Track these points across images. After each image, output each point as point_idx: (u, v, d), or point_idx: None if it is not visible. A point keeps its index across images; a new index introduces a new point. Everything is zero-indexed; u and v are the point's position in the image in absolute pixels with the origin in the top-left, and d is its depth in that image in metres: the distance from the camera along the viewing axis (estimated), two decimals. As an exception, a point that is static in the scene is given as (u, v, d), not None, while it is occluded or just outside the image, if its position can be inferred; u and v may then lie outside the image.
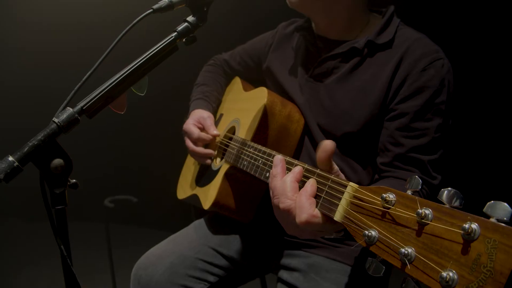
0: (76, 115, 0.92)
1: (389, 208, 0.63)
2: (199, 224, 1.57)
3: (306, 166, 0.86)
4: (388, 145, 1.23)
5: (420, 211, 0.58)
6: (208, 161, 1.53)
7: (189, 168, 1.77)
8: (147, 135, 3.44)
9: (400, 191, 0.63)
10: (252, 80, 1.75)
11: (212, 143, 1.59)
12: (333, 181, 0.75)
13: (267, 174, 1.02)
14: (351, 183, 0.72)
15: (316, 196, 0.79)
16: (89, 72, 1.00)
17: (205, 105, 1.67)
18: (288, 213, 0.82)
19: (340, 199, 0.72)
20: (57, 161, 0.90)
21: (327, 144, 0.78)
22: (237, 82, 1.77)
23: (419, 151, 1.19)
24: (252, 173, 1.14)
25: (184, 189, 1.73)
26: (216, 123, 1.71)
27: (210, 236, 1.49)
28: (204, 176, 1.57)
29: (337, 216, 0.72)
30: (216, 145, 1.57)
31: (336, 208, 0.72)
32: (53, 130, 0.89)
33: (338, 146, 1.30)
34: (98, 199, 2.75)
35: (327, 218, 0.76)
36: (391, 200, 0.63)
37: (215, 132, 1.51)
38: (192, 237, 1.50)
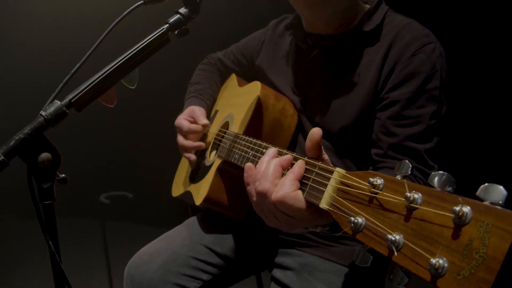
0: (64, 108, 0.91)
1: (376, 193, 0.60)
2: (192, 221, 1.55)
3: (295, 154, 0.83)
4: (381, 135, 1.20)
5: (408, 194, 0.55)
6: (193, 157, 1.52)
7: (184, 165, 1.76)
8: (143, 131, 3.41)
9: (388, 175, 0.61)
10: (248, 78, 1.74)
11: (206, 140, 1.57)
12: (320, 168, 0.73)
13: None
14: (338, 169, 0.69)
15: (303, 184, 0.76)
16: (78, 65, 0.99)
17: (198, 102, 1.66)
18: (265, 196, 0.79)
19: (326, 185, 0.69)
20: (45, 155, 0.88)
21: (314, 132, 0.76)
22: (232, 79, 1.75)
23: (413, 140, 1.16)
24: (243, 165, 1.11)
25: (178, 186, 1.72)
26: (211, 119, 1.70)
27: (203, 234, 1.47)
28: (198, 172, 1.55)
29: (323, 203, 0.69)
30: (209, 141, 1.55)
31: (322, 195, 0.70)
32: (40, 123, 0.87)
33: (333, 144, 1.29)
34: (94, 195, 2.74)
35: (313, 207, 0.74)
36: (379, 185, 0.60)
37: (204, 121, 1.50)
38: (185, 235, 1.48)
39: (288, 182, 0.76)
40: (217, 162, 1.37)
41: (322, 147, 0.78)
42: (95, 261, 2.86)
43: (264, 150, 0.99)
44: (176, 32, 1.07)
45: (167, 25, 1.04)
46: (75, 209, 3.29)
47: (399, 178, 0.61)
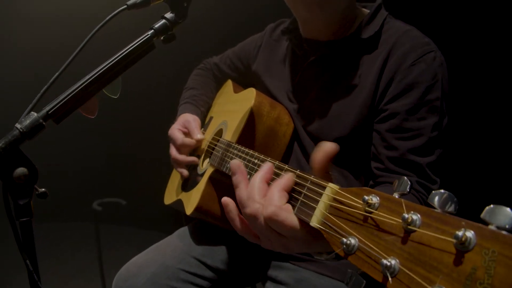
0: (41, 121, 0.86)
1: (371, 213, 0.55)
2: (183, 232, 1.50)
3: (286, 167, 0.78)
4: (381, 148, 1.14)
5: (406, 215, 0.50)
6: (185, 172, 1.47)
7: (177, 173, 1.71)
8: (137, 136, 3.36)
9: (385, 193, 0.55)
10: (244, 84, 1.69)
11: (199, 148, 1.52)
12: (312, 182, 0.67)
13: (248, 177, 0.95)
14: (330, 184, 0.64)
15: (293, 199, 0.70)
16: (57, 74, 0.94)
17: (192, 109, 1.61)
18: (255, 218, 0.71)
19: (317, 202, 0.64)
20: (20, 170, 0.83)
21: (329, 145, 0.71)
22: (228, 85, 1.71)
23: (415, 153, 1.11)
24: None
25: (171, 194, 1.67)
26: (205, 126, 1.65)
27: (194, 246, 1.42)
28: (190, 181, 1.50)
29: (314, 220, 0.63)
30: (203, 149, 1.50)
31: (313, 212, 0.64)
32: (15, 136, 0.82)
33: None
34: (86, 202, 2.69)
35: (307, 226, 0.68)
36: (374, 203, 0.55)
37: (198, 136, 1.45)
38: (175, 246, 1.42)
39: (276, 194, 0.70)
40: (209, 170, 1.32)
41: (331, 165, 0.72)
42: (89, 269, 2.81)
43: (256, 161, 0.93)
44: (162, 38, 1.02)
45: (152, 30, 0.99)
46: (69, 217, 3.25)
47: (396, 197, 0.55)
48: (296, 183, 0.71)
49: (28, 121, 0.84)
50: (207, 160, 1.46)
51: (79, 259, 2.93)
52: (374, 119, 1.16)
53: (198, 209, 1.30)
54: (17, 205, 0.83)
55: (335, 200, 0.62)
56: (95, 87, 0.94)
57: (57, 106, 0.89)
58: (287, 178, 0.72)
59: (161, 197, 1.79)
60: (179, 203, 1.51)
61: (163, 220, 2.93)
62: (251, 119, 1.24)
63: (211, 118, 1.67)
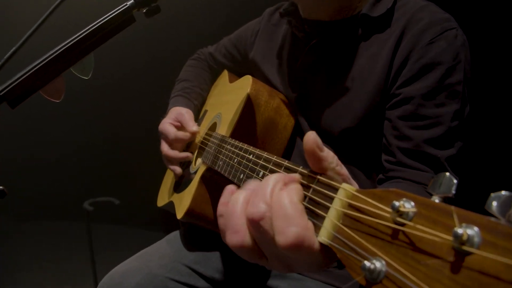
0: (-10, 103, 0.71)
1: (404, 225, 0.39)
2: (173, 237, 1.34)
3: (274, 158, 0.63)
4: (392, 138, 1.00)
5: (459, 231, 0.34)
6: (178, 170, 1.32)
7: (170, 173, 1.56)
8: (130, 132, 3.20)
9: (423, 197, 0.39)
10: (241, 75, 1.54)
11: (192, 144, 1.37)
12: (320, 183, 0.51)
13: (241, 176, 0.79)
14: (344, 185, 0.48)
15: None
16: (13, 50, 0.79)
17: (184, 102, 1.46)
18: (259, 224, 0.50)
19: (327, 209, 0.48)
20: None
21: (306, 139, 0.51)
22: (224, 75, 1.56)
23: (432, 145, 0.96)
24: (226, 175, 0.91)
25: (163, 195, 1.52)
26: (199, 121, 1.50)
27: (185, 252, 1.26)
28: (182, 181, 1.35)
29: (323, 234, 0.47)
30: (196, 146, 1.35)
31: (322, 223, 0.48)
32: None
33: (335, 148, 1.08)
34: (77, 201, 2.55)
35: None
36: (408, 212, 0.39)
37: (194, 128, 1.30)
38: (163, 253, 1.26)
39: (289, 207, 0.48)
40: (202, 169, 1.17)
41: (331, 158, 0.53)
42: (81, 271, 2.67)
43: (251, 157, 0.78)
44: (144, 10, 0.86)
45: (132, 0, 0.83)
46: (58, 216, 3.13)
47: (437, 201, 0.39)
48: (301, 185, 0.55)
49: (-28, 104, 0.69)
50: (200, 157, 1.32)
51: (70, 262, 2.80)
52: (386, 105, 1.02)
53: (189, 212, 1.15)
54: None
55: (351, 206, 0.46)
56: (61, 65, 0.79)
57: (12, 86, 0.74)
58: (295, 178, 0.54)
59: (156, 196, 1.65)
60: (171, 205, 1.37)
61: (159, 220, 2.79)
62: (247, 109, 1.09)
63: (205, 111, 1.52)
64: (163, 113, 1.44)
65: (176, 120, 1.35)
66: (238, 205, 0.53)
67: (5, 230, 3.14)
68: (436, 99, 0.96)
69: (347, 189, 0.47)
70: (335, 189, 0.48)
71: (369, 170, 1.08)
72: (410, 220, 0.39)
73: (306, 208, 0.51)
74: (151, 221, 3.13)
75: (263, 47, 1.34)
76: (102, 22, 0.81)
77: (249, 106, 1.09)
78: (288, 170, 0.60)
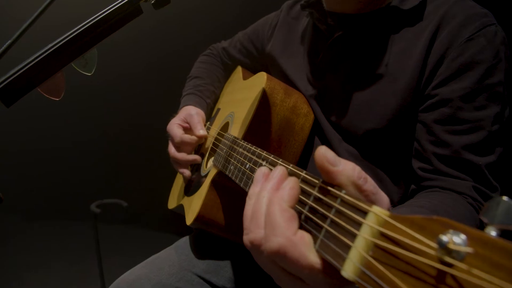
0: (-18, 101, 0.65)
1: (452, 266, 0.31)
2: (183, 244, 1.27)
3: (290, 167, 0.56)
4: (428, 144, 0.91)
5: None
6: (187, 173, 1.25)
7: None
8: (139, 132, 3.14)
9: (477, 231, 0.31)
10: (256, 71, 1.47)
11: (204, 145, 1.30)
12: (345, 203, 0.43)
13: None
14: (376, 208, 0.39)
15: (312, 224, 0.46)
16: (8, 43, 0.73)
17: (196, 100, 1.39)
18: (257, 251, 0.50)
19: (354, 236, 0.40)
20: None
21: (316, 151, 0.47)
22: (237, 71, 1.49)
23: (471, 151, 0.88)
24: (237, 181, 0.84)
25: (174, 197, 1.46)
26: (212, 120, 1.43)
27: (195, 260, 1.19)
28: (193, 183, 1.28)
29: (348, 269, 0.39)
30: (207, 147, 1.28)
31: (347, 253, 0.40)
32: None
33: (359, 149, 1.00)
34: (84, 204, 2.50)
35: (332, 270, 0.44)
36: (458, 250, 0.31)
37: (201, 132, 1.23)
38: (173, 260, 1.20)
39: (278, 214, 0.47)
40: (212, 173, 1.09)
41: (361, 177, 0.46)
42: (88, 275, 2.64)
43: (264, 164, 0.70)
44: (152, 1, 0.79)
45: None
46: (65, 219, 3.10)
47: (493, 234, 0.32)
48: (317, 199, 0.48)
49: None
50: (212, 159, 1.25)
51: (77, 266, 2.77)
52: (419, 107, 0.94)
53: (199, 218, 1.08)
54: None
55: (383, 236, 0.38)
56: (61, 60, 0.73)
57: (7, 82, 0.68)
58: (290, 186, 0.50)
59: (166, 197, 1.58)
60: (182, 208, 1.30)
61: (169, 223, 2.73)
62: (261, 109, 1.01)
63: (218, 110, 1.44)
64: (173, 112, 1.37)
65: (185, 121, 1.29)
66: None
67: (12, 230, 3.14)
68: (475, 101, 0.88)
69: (379, 214, 0.38)
70: (363, 213, 0.40)
71: (397, 176, 1.00)
72: (461, 261, 0.31)
73: (327, 231, 0.43)
74: (159, 224, 3.08)
75: (281, 41, 1.27)
76: (107, 13, 0.74)
77: (263, 105, 1.01)
78: (306, 182, 0.52)
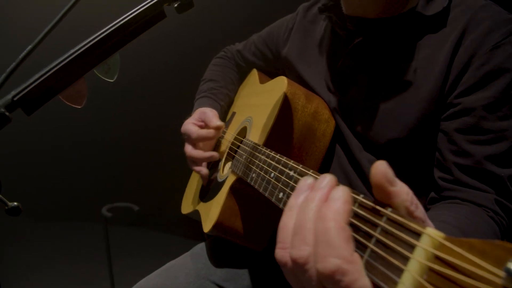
0: (2, 110, 0.63)
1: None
2: (199, 251, 1.25)
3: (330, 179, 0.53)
4: (448, 154, 0.90)
5: None
6: (204, 171, 1.23)
7: (196, 177, 1.48)
8: (151, 135, 3.13)
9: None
10: (274, 75, 1.44)
11: (219, 149, 1.28)
12: (392, 222, 0.41)
13: (281, 195, 0.70)
14: (430, 230, 0.37)
15: (358, 247, 0.44)
16: (29, 47, 0.71)
17: (210, 103, 1.37)
18: (302, 269, 0.45)
19: (406, 259, 0.38)
20: None
21: (375, 167, 0.44)
22: (253, 74, 1.46)
23: (494, 162, 0.85)
24: (261, 190, 0.82)
25: (188, 202, 1.44)
26: (227, 124, 1.42)
27: (213, 268, 1.18)
28: (209, 188, 1.26)
29: None
30: (223, 151, 1.27)
31: (399, 277, 0.38)
32: None
33: (380, 158, 0.99)
34: (95, 207, 2.49)
35: None
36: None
37: (217, 122, 1.22)
38: (189, 268, 1.18)
39: (336, 236, 0.42)
40: (231, 179, 1.07)
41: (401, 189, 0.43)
42: (98, 281, 2.63)
43: (292, 173, 0.68)
44: (175, 4, 0.76)
45: None
46: (75, 222, 3.10)
47: None
48: (358, 216, 0.45)
49: (-17, 112, 0.61)
50: (229, 164, 1.23)
51: (87, 271, 2.76)
52: (442, 115, 0.92)
53: (217, 226, 1.06)
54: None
55: (438, 259, 0.36)
56: (83, 66, 0.70)
57: (28, 90, 0.66)
58: (343, 200, 0.45)
59: (177, 202, 1.56)
60: (197, 214, 1.28)
61: (180, 226, 2.71)
62: (283, 114, 0.99)
63: (233, 113, 1.43)
64: (186, 114, 1.36)
65: (199, 119, 1.28)
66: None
67: (22, 231, 3.14)
68: (500, 111, 0.85)
69: (434, 236, 0.36)
70: (416, 234, 0.38)
71: (418, 185, 0.97)
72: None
73: (372, 252, 0.41)
74: (170, 227, 3.07)
75: (298, 45, 1.24)
76: (130, 17, 0.72)
77: (285, 111, 0.99)
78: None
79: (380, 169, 0.42)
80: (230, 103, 1.50)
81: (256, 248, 1.11)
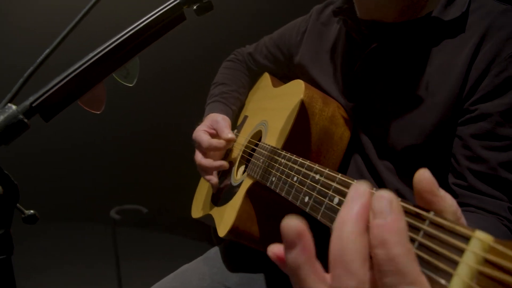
0: (21, 117, 0.61)
1: None
2: (213, 255, 1.24)
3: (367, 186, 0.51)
4: (463, 159, 0.89)
5: None
6: (214, 180, 1.23)
7: (206, 182, 1.46)
8: (161, 137, 3.12)
9: None
10: (283, 77, 1.44)
11: (231, 153, 1.27)
12: (434, 225, 0.40)
13: (306, 199, 0.69)
14: (479, 233, 0.36)
15: None
16: (46, 52, 0.70)
17: (221, 108, 1.37)
18: None
19: (455, 263, 0.37)
20: None
21: (419, 175, 0.41)
22: (265, 78, 1.46)
23: (509, 169, 0.85)
24: (283, 194, 0.81)
25: (199, 207, 1.43)
26: (239, 127, 1.41)
27: (227, 273, 1.17)
28: (222, 193, 1.25)
29: None
30: (237, 155, 1.25)
31: (448, 281, 0.37)
32: None
33: (396, 165, 0.97)
34: (103, 209, 2.48)
35: None
36: None
37: (229, 135, 1.21)
38: (204, 273, 1.17)
39: (406, 262, 0.35)
40: (247, 183, 1.06)
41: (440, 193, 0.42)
42: (107, 283, 2.62)
43: (318, 177, 0.67)
44: (194, 6, 0.75)
45: None
46: (83, 225, 3.10)
47: None
48: (409, 226, 0.44)
49: (2, 117, 0.60)
50: (242, 168, 1.22)
51: (95, 274, 2.75)
52: (458, 121, 0.91)
53: (233, 230, 1.05)
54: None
55: (488, 263, 0.34)
56: (102, 71, 0.69)
57: (46, 96, 0.65)
58: (398, 219, 0.36)
59: (186, 204, 1.56)
60: (209, 218, 1.27)
61: (190, 230, 2.70)
62: (301, 118, 0.99)
63: (245, 117, 1.42)
64: (199, 116, 1.35)
65: (211, 127, 1.27)
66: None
67: (30, 232, 3.12)
68: None
69: (484, 239, 0.35)
70: (464, 238, 0.36)
71: None
72: None
73: (417, 256, 0.40)
74: (179, 230, 3.05)
75: (311, 49, 1.23)
76: (149, 20, 0.71)
77: (303, 115, 0.98)
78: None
79: (426, 175, 0.41)
80: (241, 107, 1.49)
81: None
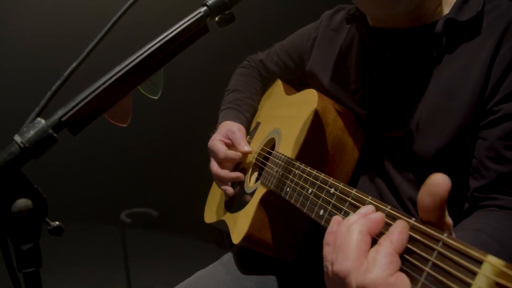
0: (51, 131, 0.63)
1: None
2: (228, 260, 1.26)
3: (388, 209, 0.53)
4: (488, 161, 0.88)
5: None
6: (230, 190, 1.25)
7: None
8: (172, 142, 3.13)
9: None
10: (294, 84, 1.46)
11: (244, 160, 1.30)
12: (447, 247, 0.43)
13: (321, 212, 0.71)
14: (490, 258, 0.39)
15: (410, 267, 0.45)
16: (73, 66, 0.72)
17: (235, 115, 1.39)
18: (343, 281, 0.50)
19: (468, 286, 0.39)
20: (22, 203, 0.60)
21: (437, 182, 0.45)
22: (277, 85, 1.47)
23: None
24: (298, 205, 0.83)
25: (212, 212, 1.45)
26: (252, 133, 1.43)
27: (242, 277, 1.18)
28: (235, 199, 1.27)
29: None
30: (250, 162, 1.28)
31: (461, 302, 0.39)
32: (13, 154, 0.59)
33: (414, 171, 0.97)
34: (114, 213, 2.49)
35: None
36: None
37: (246, 148, 1.23)
38: (219, 279, 1.19)
39: (381, 259, 0.46)
40: (261, 191, 1.09)
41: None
42: (114, 279, 2.65)
43: (332, 191, 0.69)
44: (216, 18, 0.76)
45: (205, 7, 0.73)
46: (93, 228, 3.11)
47: None
48: (412, 239, 0.47)
49: (32, 132, 0.62)
50: (255, 175, 1.24)
51: (104, 275, 2.76)
52: (480, 123, 0.91)
53: (247, 238, 1.08)
54: (19, 251, 0.62)
55: (498, 285, 0.37)
56: (129, 84, 0.70)
57: (74, 110, 0.67)
58: (399, 230, 0.47)
59: (198, 208, 1.58)
60: (222, 224, 1.30)
61: (200, 234, 2.70)
62: (315, 128, 1.00)
63: (258, 123, 1.44)
64: (210, 120, 1.37)
65: (226, 137, 1.29)
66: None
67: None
68: None
69: (496, 264, 0.38)
70: (477, 262, 0.39)
71: (457, 201, 0.96)
72: None
73: (430, 275, 0.42)
74: (189, 233, 3.06)
75: (322, 56, 1.23)
76: (175, 33, 0.72)
77: (316, 125, 1.00)
78: (393, 219, 0.51)
79: (444, 180, 0.46)
80: (254, 113, 1.51)
81: (285, 260, 1.12)
